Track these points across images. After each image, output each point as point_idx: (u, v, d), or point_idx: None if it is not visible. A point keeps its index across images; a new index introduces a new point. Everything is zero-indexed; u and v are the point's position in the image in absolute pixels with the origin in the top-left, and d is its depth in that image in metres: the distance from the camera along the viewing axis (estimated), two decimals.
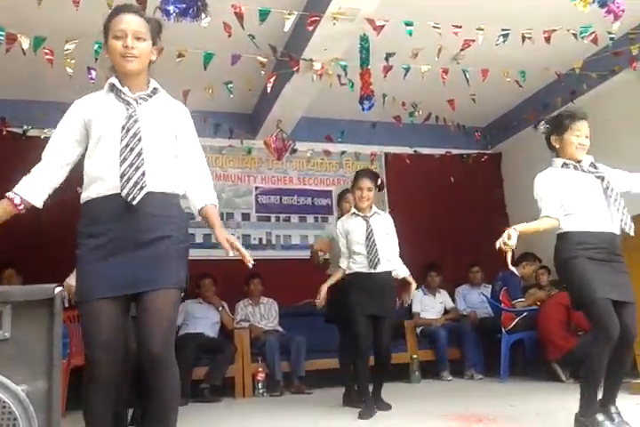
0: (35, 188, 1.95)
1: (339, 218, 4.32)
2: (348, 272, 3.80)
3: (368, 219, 3.83)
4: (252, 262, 2.05)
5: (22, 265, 4.77)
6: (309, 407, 3.98)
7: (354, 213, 3.89)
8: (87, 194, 1.94)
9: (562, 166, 2.76)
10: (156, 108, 2.01)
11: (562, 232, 2.68)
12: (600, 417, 2.45)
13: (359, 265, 3.74)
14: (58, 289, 1.51)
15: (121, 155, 1.88)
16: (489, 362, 5.24)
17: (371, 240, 3.74)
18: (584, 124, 2.82)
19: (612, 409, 2.55)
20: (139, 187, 1.86)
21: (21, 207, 1.92)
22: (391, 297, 3.80)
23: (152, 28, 2.04)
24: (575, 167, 2.74)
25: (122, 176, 1.86)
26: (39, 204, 1.96)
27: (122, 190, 1.85)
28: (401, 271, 3.89)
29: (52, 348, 1.49)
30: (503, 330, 4.97)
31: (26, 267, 4.75)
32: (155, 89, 2.04)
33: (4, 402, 1.42)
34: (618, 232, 2.64)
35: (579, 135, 2.77)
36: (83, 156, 2.02)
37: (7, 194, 1.91)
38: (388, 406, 3.66)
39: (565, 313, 4.55)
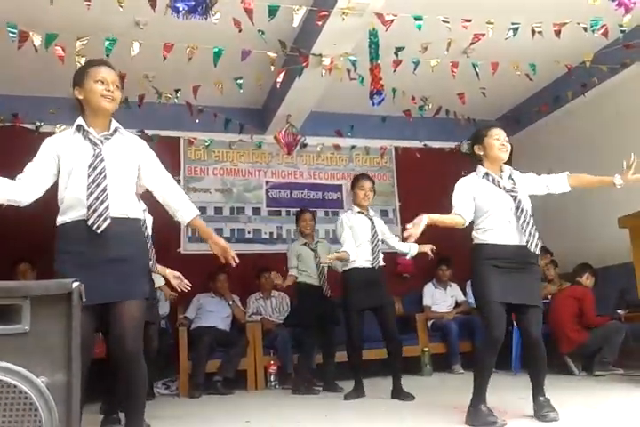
0: (11, 184, 2.29)
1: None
2: (347, 267, 4.03)
3: (372, 218, 4.11)
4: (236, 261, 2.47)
5: (36, 260, 4.83)
6: (321, 399, 4.02)
7: (358, 211, 4.13)
8: (62, 218, 2.25)
9: (483, 176, 2.99)
10: (119, 146, 2.32)
11: (474, 243, 2.95)
12: (484, 408, 2.74)
13: (361, 260, 3.97)
14: (75, 284, 1.54)
15: (88, 189, 2.19)
16: (500, 355, 5.23)
17: (375, 238, 4.02)
18: (500, 130, 3.03)
19: (541, 399, 2.83)
20: (103, 218, 2.18)
21: None
22: (385, 286, 4.03)
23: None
24: (494, 181, 2.96)
25: (89, 208, 2.18)
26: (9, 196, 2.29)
27: (88, 220, 2.17)
28: (411, 247, 4.01)
29: (70, 341, 1.52)
30: (514, 323, 4.97)
31: (40, 261, 4.81)
32: (116, 128, 2.35)
33: (25, 393, 1.46)
34: (524, 241, 2.83)
35: (498, 139, 2.99)
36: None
37: None
38: (411, 397, 3.76)
39: (576, 306, 4.56)
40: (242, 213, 6.14)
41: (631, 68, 5.00)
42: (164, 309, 5.10)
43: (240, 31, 3.97)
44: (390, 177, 6.71)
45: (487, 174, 2.99)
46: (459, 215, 2.92)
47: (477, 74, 4.74)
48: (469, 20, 4.17)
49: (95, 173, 2.20)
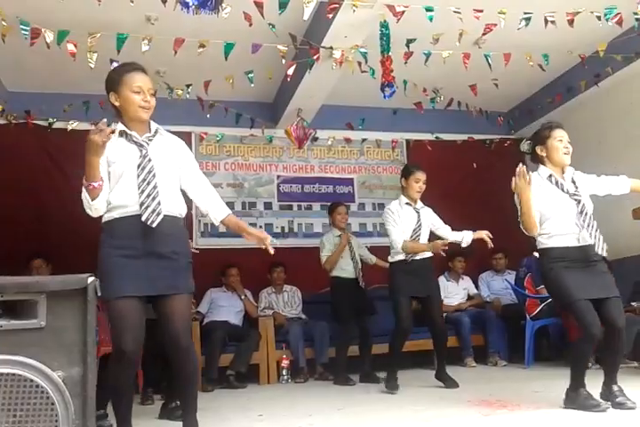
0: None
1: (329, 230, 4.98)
2: (393, 259, 4.07)
3: (419, 211, 4.09)
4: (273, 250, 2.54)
5: (51, 255, 4.88)
6: (333, 393, 4.03)
7: (406, 202, 4.10)
8: (111, 214, 2.31)
9: (547, 178, 2.99)
10: (162, 147, 2.41)
11: (541, 248, 2.98)
12: (584, 391, 2.80)
13: (402, 253, 3.98)
14: (90, 279, 1.55)
15: (139, 187, 2.28)
16: (513, 349, 5.23)
17: (416, 232, 4.02)
18: (563, 131, 3.03)
19: (615, 388, 2.84)
20: (156, 213, 2.26)
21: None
22: (433, 277, 4.15)
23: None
24: (557, 184, 2.96)
25: (141, 204, 2.26)
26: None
27: (142, 216, 2.24)
28: (465, 236, 4.07)
29: (85, 335, 1.54)
30: (527, 316, 4.96)
31: (54, 256, 4.86)
32: (156, 130, 2.44)
33: (42, 388, 1.48)
34: (591, 242, 2.87)
35: (561, 140, 2.99)
36: None
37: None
38: (454, 384, 3.90)
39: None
40: (253, 208, 6.15)
41: None
42: None
43: (250, 25, 3.96)
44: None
45: (551, 176, 2.99)
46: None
47: (490, 65, 4.70)
48: (481, 11, 4.13)
49: (144, 172, 2.30)
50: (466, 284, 5.93)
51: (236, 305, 5.30)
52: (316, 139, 6.16)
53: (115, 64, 4.39)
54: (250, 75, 4.70)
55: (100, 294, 1.57)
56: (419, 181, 4.07)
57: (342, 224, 4.86)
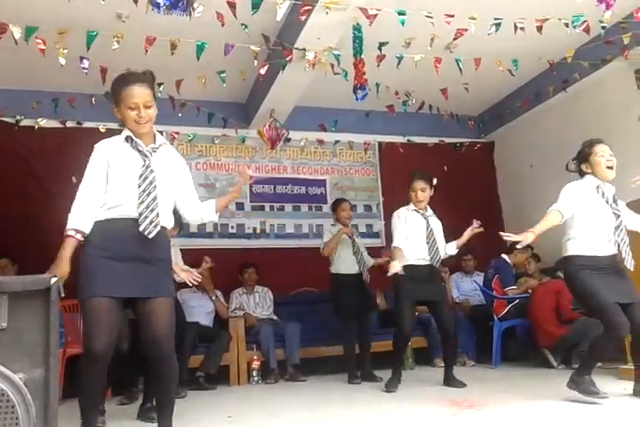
0: (85, 221, 2.29)
1: (333, 224, 4.83)
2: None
3: (428, 218, 4.10)
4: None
5: (16, 255, 4.78)
6: (304, 394, 4.03)
7: (414, 209, 4.11)
8: (103, 215, 2.31)
9: (595, 187, 3.12)
10: (164, 160, 2.45)
11: (568, 255, 3.10)
12: (589, 378, 2.94)
13: (412, 258, 3.98)
14: (54, 279, 1.53)
15: (139, 198, 2.30)
16: (481, 349, 5.30)
17: (430, 238, 4.04)
18: (605, 146, 3.16)
19: None
20: (153, 225, 2.30)
21: (81, 239, 2.26)
22: (440, 282, 4.20)
23: (152, 88, 2.47)
24: (603, 195, 3.10)
25: (140, 215, 2.29)
26: (88, 231, 2.29)
27: (140, 226, 2.27)
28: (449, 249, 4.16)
29: (48, 337, 1.52)
30: (495, 317, 5.03)
31: (20, 256, 4.76)
32: (162, 144, 2.48)
33: (2, 390, 1.45)
34: (616, 252, 3.05)
35: (603, 155, 3.12)
36: None
37: (69, 233, 2.24)
38: (462, 384, 3.88)
39: (555, 300, 4.61)
40: (225, 209, 6.10)
41: (612, 63, 5.04)
42: None
43: (223, 25, 3.95)
44: (374, 172, 6.72)
45: (599, 187, 3.12)
46: (557, 211, 3.07)
47: (460, 69, 4.76)
48: (452, 16, 4.19)
49: (146, 182, 2.32)
50: None
51: (207, 306, 5.26)
52: (288, 140, 6.17)
53: (85, 61, 4.35)
54: (222, 75, 4.68)
55: (62, 295, 1.55)
56: (414, 189, 4.09)
57: (347, 220, 4.74)
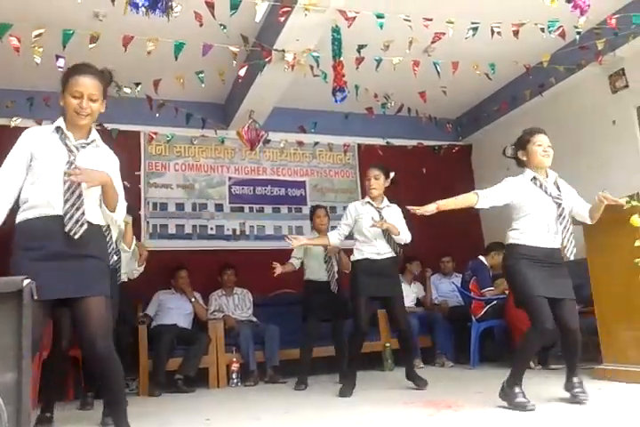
0: None
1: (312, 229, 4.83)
2: (355, 258, 4.02)
3: (380, 210, 4.03)
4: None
5: None
6: (283, 396, 4.02)
7: (367, 201, 4.07)
8: (25, 215, 2.25)
9: (531, 180, 3.11)
10: (92, 157, 2.35)
11: (509, 243, 3.11)
12: (517, 389, 2.93)
13: (367, 252, 3.95)
14: (26, 281, 1.50)
15: (64, 195, 2.23)
16: (459, 350, 5.35)
17: (385, 232, 3.93)
18: (543, 136, 3.15)
19: (575, 380, 3.03)
20: (79, 224, 2.23)
21: None
22: (396, 277, 4.09)
23: (104, 85, 2.41)
24: (541, 186, 3.09)
25: (65, 214, 2.22)
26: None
27: (66, 227, 2.20)
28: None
29: (20, 340, 1.49)
30: (473, 318, 5.08)
31: None
32: (93, 140, 2.39)
33: None
34: (559, 246, 3.06)
35: (541, 145, 3.11)
36: None
37: None
38: (424, 382, 3.87)
39: None
40: (204, 210, 6.08)
41: (586, 68, 5.13)
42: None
43: (201, 25, 3.93)
44: (353, 174, 6.74)
45: (535, 178, 3.12)
46: (474, 193, 3.10)
47: (438, 73, 4.80)
48: (430, 20, 4.22)
49: (71, 180, 2.23)
50: (416, 288, 6.02)
51: (185, 308, 5.22)
52: (268, 141, 6.16)
53: (61, 60, 4.29)
54: (200, 75, 4.65)
55: (35, 297, 1.52)
56: (368, 178, 4.07)
57: (322, 227, 4.69)
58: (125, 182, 6.37)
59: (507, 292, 5.14)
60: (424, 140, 6.87)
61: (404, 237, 3.97)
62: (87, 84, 2.32)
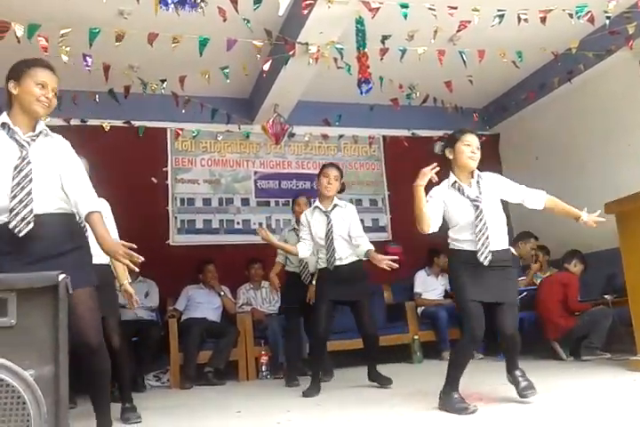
0: None
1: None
2: (319, 266, 3.90)
3: (329, 214, 3.84)
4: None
5: None
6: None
7: (316, 206, 3.91)
8: None
9: (452, 185, 3.02)
10: (44, 148, 2.26)
11: (449, 248, 3.05)
12: (455, 395, 2.84)
13: (322, 260, 3.85)
14: (62, 276, 1.53)
15: (12, 191, 2.13)
16: (489, 342, 5.29)
17: (329, 238, 3.78)
18: (473, 137, 3.06)
19: (518, 373, 2.98)
20: (26, 222, 2.12)
21: None
22: (362, 281, 3.84)
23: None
24: (460, 190, 2.99)
25: (11, 211, 2.12)
26: None
27: (10, 223, 2.11)
28: (364, 246, 3.73)
29: (57, 333, 1.52)
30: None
31: None
32: (42, 131, 2.29)
33: (13, 387, 1.46)
34: (499, 248, 2.91)
35: (469, 145, 3.02)
36: None
37: None
38: (388, 381, 3.80)
39: (562, 292, 4.59)
40: (230, 204, 6.12)
41: (616, 54, 5.01)
42: (153, 301, 5.11)
43: (225, 20, 3.94)
44: (379, 166, 6.71)
45: (455, 183, 3.02)
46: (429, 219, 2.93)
47: (464, 62, 4.74)
48: (455, 8, 4.16)
49: (21, 175, 2.16)
50: (444, 280, 5.96)
51: (214, 302, 5.27)
52: (292, 135, 6.16)
53: (88, 59, 4.35)
54: (225, 70, 4.67)
55: (70, 291, 1.55)
56: (327, 176, 3.84)
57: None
58: (153, 179, 6.49)
59: (537, 283, 5.08)
60: (450, 131, 6.71)
61: (360, 241, 3.72)
62: (52, 78, 2.29)
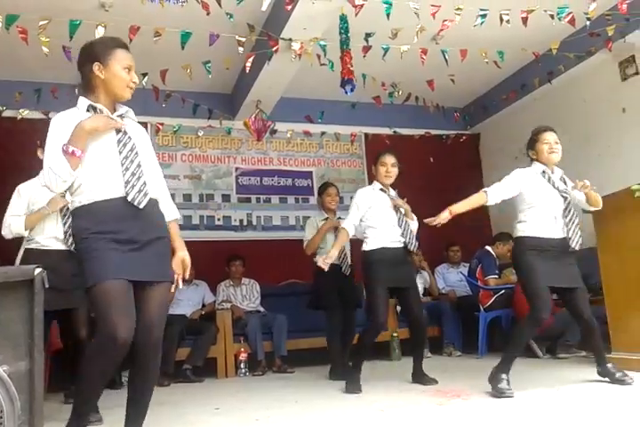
0: None
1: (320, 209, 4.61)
2: (369, 248, 3.70)
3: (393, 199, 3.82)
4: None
5: None
6: (291, 386, 4.04)
7: (380, 188, 3.84)
8: (87, 197, 2.06)
9: (541, 173, 3.23)
10: (132, 128, 2.20)
11: (517, 236, 3.22)
12: (503, 375, 3.03)
13: (382, 240, 3.68)
14: (38, 270, 1.51)
15: (122, 165, 2.07)
16: (467, 339, 5.35)
17: (403, 220, 3.75)
18: (550, 133, 3.27)
19: (610, 366, 3.14)
20: (143, 193, 2.08)
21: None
22: (412, 268, 4.03)
23: None
24: (549, 179, 3.22)
25: (126, 183, 2.06)
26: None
27: (128, 196, 2.05)
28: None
29: (32, 329, 1.50)
30: (481, 308, 5.07)
31: None
32: (128, 110, 2.24)
33: None
34: (566, 236, 3.19)
35: (547, 143, 3.23)
36: None
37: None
38: (434, 381, 3.60)
39: None
40: (211, 200, 6.09)
41: (596, 55, 5.08)
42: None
43: (208, 14, 3.90)
44: (360, 164, 6.72)
45: (544, 172, 3.23)
46: (483, 192, 3.20)
47: (446, 61, 4.76)
48: (438, 7, 4.18)
49: (126, 149, 2.10)
50: (422, 277, 6.01)
51: (194, 298, 5.24)
52: (274, 131, 6.14)
53: (68, 51, 4.28)
54: (207, 65, 4.64)
55: (47, 286, 1.52)
56: (385, 164, 3.83)
57: (332, 205, 4.44)
58: None
59: (514, 281, 5.13)
60: (431, 130, 6.83)
61: (416, 224, 3.79)
62: (133, 60, 2.17)
